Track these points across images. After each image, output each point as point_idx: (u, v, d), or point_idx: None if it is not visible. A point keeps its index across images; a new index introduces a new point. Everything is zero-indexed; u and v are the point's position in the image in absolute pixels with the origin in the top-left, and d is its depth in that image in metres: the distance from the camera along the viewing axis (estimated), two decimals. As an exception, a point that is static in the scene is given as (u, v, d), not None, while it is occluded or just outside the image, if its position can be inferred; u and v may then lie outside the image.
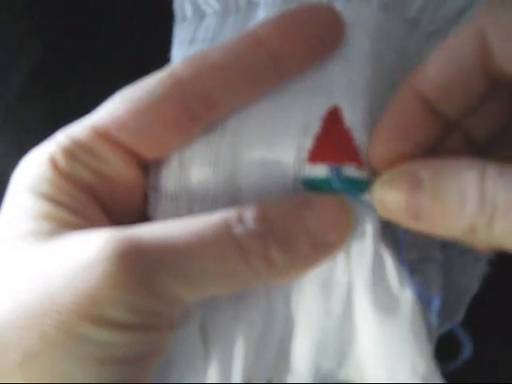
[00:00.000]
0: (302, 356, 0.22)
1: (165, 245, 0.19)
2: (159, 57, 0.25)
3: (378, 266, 0.21)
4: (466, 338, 0.21)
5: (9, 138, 0.31)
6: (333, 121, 0.21)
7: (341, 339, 0.22)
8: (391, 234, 0.22)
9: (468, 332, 0.21)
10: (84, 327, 0.18)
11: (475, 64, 0.20)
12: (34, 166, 0.21)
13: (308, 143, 0.21)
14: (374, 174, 0.21)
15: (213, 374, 0.21)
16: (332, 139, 0.21)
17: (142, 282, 0.18)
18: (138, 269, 0.18)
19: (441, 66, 0.20)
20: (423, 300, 0.21)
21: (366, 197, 0.21)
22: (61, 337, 0.18)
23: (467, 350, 0.21)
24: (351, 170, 0.21)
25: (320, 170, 0.21)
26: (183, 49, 0.24)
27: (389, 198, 0.20)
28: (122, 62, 0.30)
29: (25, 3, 0.31)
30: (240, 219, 0.20)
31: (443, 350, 0.23)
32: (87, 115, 0.22)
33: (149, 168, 0.23)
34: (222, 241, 0.19)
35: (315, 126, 0.21)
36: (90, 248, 0.18)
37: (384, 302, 0.21)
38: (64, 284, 0.18)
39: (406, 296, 0.21)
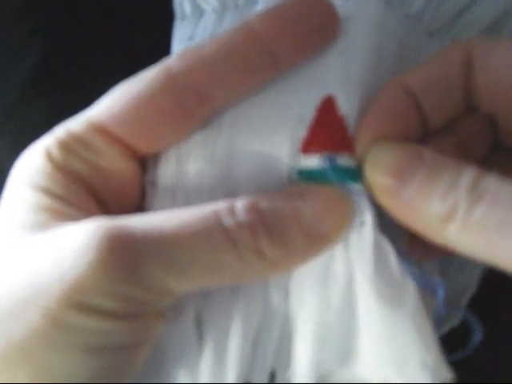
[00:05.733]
0: (303, 351, 0.21)
1: (153, 234, 0.19)
2: (160, 57, 0.25)
3: (379, 257, 0.20)
4: (476, 323, 0.20)
5: (9, 138, 0.31)
6: (327, 110, 0.21)
7: (343, 334, 0.21)
8: (385, 226, 0.21)
9: (466, 332, 0.20)
10: (70, 315, 0.18)
11: (458, 77, 0.21)
12: (31, 159, 0.21)
13: (302, 134, 0.21)
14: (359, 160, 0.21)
15: (206, 365, 0.21)
16: (326, 128, 0.21)
17: (128, 270, 0.18)
18: (124, 257, 0.18)
19: (429, 69, 0.21)
20: (428, 288, 0.20)
21: (361, 186, 0.21)
22: (46, 324, 0.18)
23: (477, 335, 0.20)
24: (346, 160, 0.21)
25: (314, 161, 0.21)
26: (182, 46, 0.25)
27: (383, 161, 0.19)
28: (123, 61, 0.30)
29: (25, 3, 0.32)
30: (231, 211, 0.19)
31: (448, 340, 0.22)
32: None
33: (147, 163, 0.23)
34: (211, 232, 0.19)
35: (310, 117, 0.21)
36: (79, 236, 0.18)
37: (388, 294, 0.20)
38: (51, 271, 0.18)
39: (409, 287, 0.20)
